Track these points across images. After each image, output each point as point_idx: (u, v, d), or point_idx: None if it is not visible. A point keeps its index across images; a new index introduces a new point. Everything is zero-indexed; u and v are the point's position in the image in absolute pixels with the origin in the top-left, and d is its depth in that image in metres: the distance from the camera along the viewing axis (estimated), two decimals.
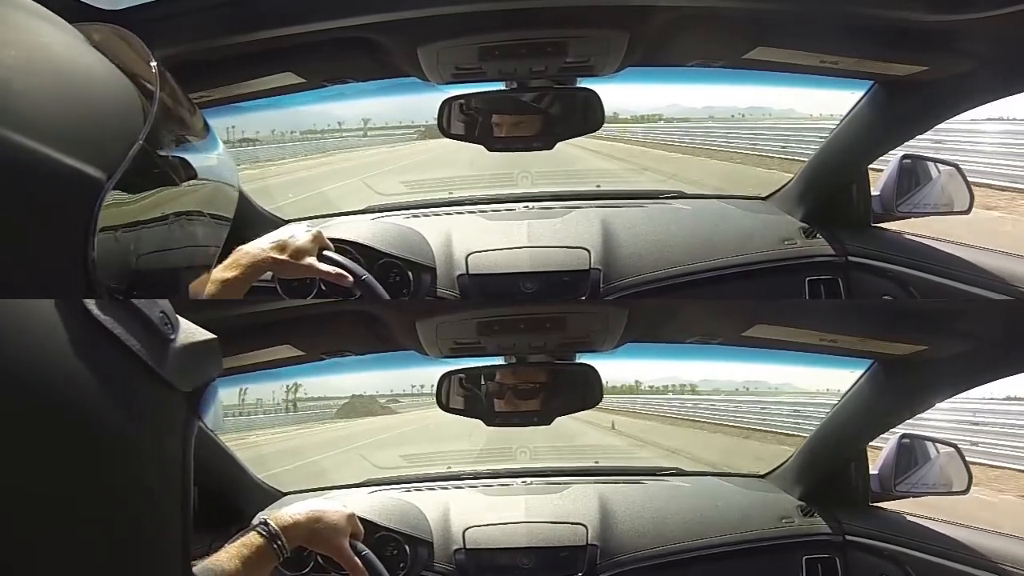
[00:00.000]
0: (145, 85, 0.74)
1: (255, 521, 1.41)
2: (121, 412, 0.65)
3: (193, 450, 0.72)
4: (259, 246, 1.62)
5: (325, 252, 1.70)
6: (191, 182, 0.78)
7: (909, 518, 2.30)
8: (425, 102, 2.12)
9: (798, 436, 2.51)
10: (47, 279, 0.64)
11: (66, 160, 0.63)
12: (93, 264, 0.65)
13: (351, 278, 1.70)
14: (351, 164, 2.56)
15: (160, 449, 0.68)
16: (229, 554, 1.31)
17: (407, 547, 2.17)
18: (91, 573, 0.63)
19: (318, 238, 1.68)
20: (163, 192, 0.74)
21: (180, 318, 0.74)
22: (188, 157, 0.80)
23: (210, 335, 0.74)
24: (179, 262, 0.79)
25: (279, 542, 1.37)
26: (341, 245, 1.99)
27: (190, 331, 0.73)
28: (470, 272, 2.09)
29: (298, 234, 1.66)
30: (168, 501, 0.68)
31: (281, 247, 1.63)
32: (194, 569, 1.18)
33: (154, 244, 0.74)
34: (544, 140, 2.03)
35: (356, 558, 1.49)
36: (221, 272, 1.55)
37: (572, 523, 2.22)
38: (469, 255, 2.10)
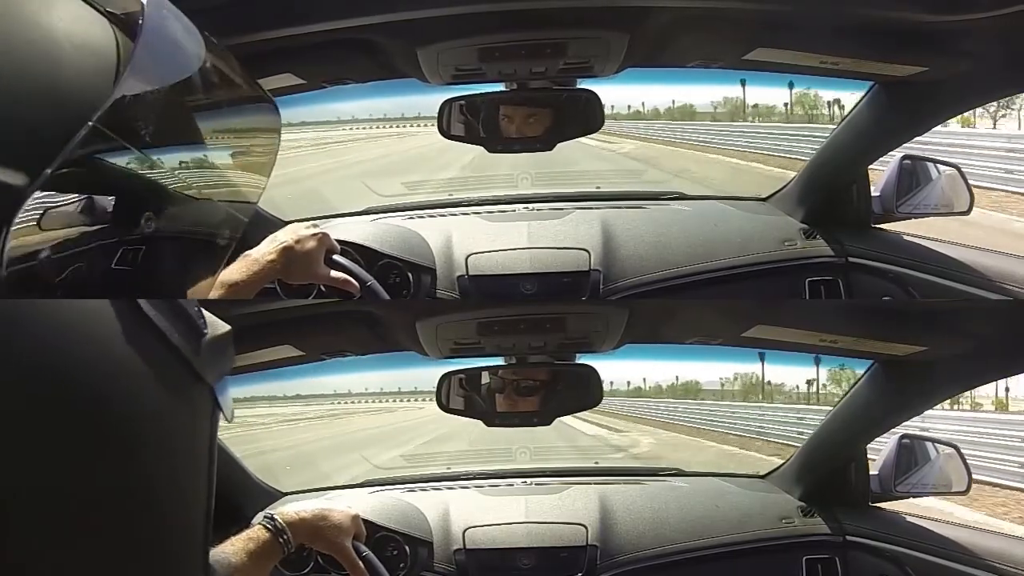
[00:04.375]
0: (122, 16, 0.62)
1: (259, 517, 1.42)
2: (161, 405, 0.63)
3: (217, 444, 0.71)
4: (265, 253, 1.57)
5: (332, 256, 1.67)
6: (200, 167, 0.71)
7: (909, 518, 2.30)
8: None
9: (796, 440, 2.51)
10: None
11: None
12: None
13: (357, 284, 1.67)
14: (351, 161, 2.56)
15: (192, 441, 0.67)
16: (235, 547, 1.31)
17: (407, 547, 2.17)
18: (122, 559, 0.62)
19: (324, 241, 1.65)
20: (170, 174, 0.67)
21: (203, 309, 0.71)
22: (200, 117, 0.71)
23: (227, 326, 0.71)
24: (188, 258, 0.75)
25: (285, 536, 1.38)
26: (342, 246, 1.99)
27: (215, 324, 0.71)
28: (470, 273, 2.09)
29: (304, 239, 1.62)
30: (196, 490, 0.68)
31: (288, 254, 1.58)
32: None
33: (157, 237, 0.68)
34: (544, 141, 2.03)
35: (358, 559, 1.50)
36: (228, 277, 1.53)
37: (572, 523, 2.23)
38: (469, 256, 2.10)
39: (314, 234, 1.63)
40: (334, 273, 1.65)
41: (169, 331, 0.63)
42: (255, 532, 1.36)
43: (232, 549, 1.31)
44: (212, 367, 0.67)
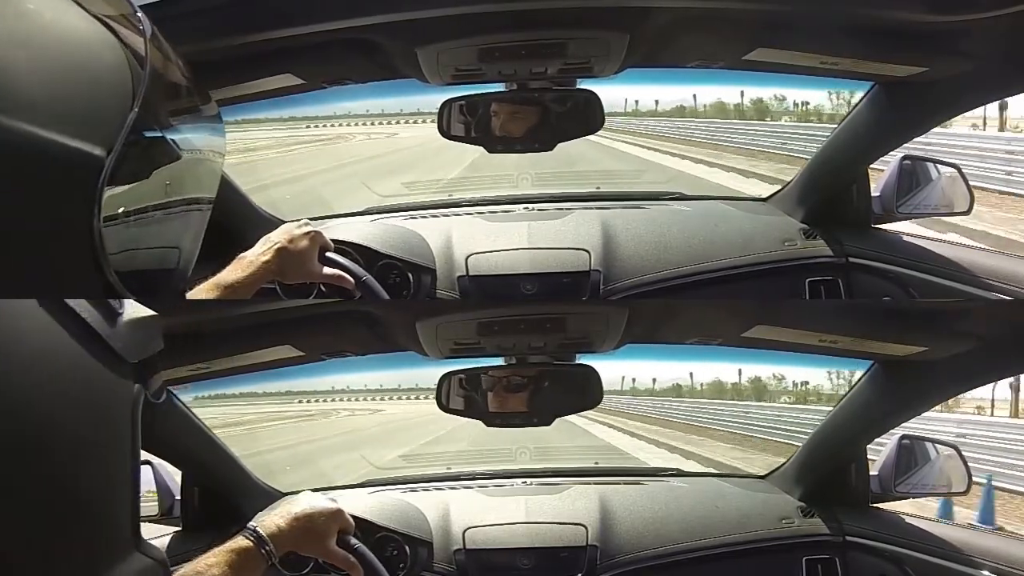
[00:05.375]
0: (133, 43, 0.70)
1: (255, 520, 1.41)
2: (72, 380, 0.65)
3: (140, 417, 0.72)
4: (259, 255, 1.59)
5: (326, 253, 1.68)
6: (180, 160, 0.76)
7: (909, 519, 2.30)
8: None
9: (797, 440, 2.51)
10: (56, 273, 0.63)
11: (64, 140, 0.61)
12: (102, 246, 0.64)
13: (352, 280, 1.68)
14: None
15: (109, 415, 0.68)
16: (217, 559, 1.31)
17: (407, 547, 2.17)
18: (40, 537, 0.62)
19: (316, 239, 1.66)
20: (156, 179, 0.72)
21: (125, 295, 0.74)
22: (181, 126, 0.78)
23: (152, 312, 0.74)
24: (171, 257, 0.78)
25: (267, 548, 1.37)
26: (341, 246, 1.99)
27: (135, 307, 0.73)
28: (470, 274, 2.09)
29: (297, 238, 1.63)
30: (117, 466, 0.68)
31: (282, 255, 1.60)
32: (179, 573, 1.18)
33: (150, 239, 0.73)
34: (544, 141, 2.03)
35: (347, 553, 1.48)
36: (224, 279, 1.54)
37: (572, 524, 2.23)
38: (469, 256, 2.10)
39: (307, 232, 1.64)
40: (329, 270, 1.66)
41: (81, 308, 0.66)
42: (238, 544, 1.35)
43: (214, 559, 1.30)
44: (131, 345, 0.69)
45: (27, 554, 0.61)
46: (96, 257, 0.64)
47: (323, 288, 1.83)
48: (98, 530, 0.65)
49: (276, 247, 1.60)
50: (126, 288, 0.68)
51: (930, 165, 2.17)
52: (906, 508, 2.38)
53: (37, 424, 0.62)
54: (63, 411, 0.64)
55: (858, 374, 2.24)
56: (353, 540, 1.49)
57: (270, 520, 1.41)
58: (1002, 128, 6.56)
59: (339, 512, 1.48)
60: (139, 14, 0.73)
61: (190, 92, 0.81)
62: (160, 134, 0.71)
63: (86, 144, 0.63)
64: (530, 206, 2.23)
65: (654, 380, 2.71)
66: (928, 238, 2.17)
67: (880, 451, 2.36)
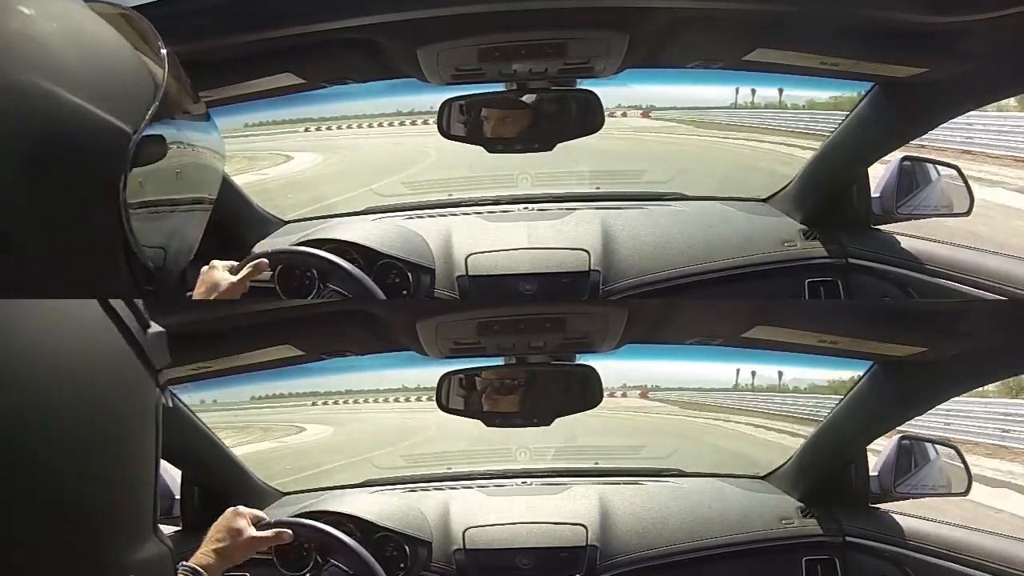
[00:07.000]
0: (151, 59, 0.83)
1: None
2: (116, 380, 0.75)
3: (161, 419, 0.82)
4: (199, 295, 1.68)
5: (232, 264, 1.72)
6: (190, 154, 0.87)
7: (909, 519, 2.30)
8: None
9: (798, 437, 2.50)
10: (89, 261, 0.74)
11: (100, 112, 0.74)
12: (127, 211, 0.75)
13: (266, 261, 1.73)
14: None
15: (142, 415, 0.78)
16: None
17: (406, 547, 2.17)
18: (83, 515, 0.70)
19: (215, 264, 1.71)
20: (169, 166, 0.82)
21: None
22: (191, 132, 0.89)
23: (161, 328, 0.84)
24: (183, 252, 0.87)
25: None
26: (340, 246, 2.00)
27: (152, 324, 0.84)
28: (470, 273, 2.09)
29: (207, 271, 1.69)
30: (144, 461, 0.78)
31: (210, 287, 1.67)
32: None
33: (159, 233, 0.82)
34: (544, 141, 2.03)
35: (272, 529, 1.58)
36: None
37: (572, 523, 2.23)
38: (469, 256, 2.11)
39: (209, 265, 1.70)
40: (244, 269, 1.71)
41: (131, 321, 0.77)
42: None
43: None
44: (156, 355, 0.80)
45: (74, 528, 0.70)
46: (127, 245, 0.77)
47: (323, 287, 1.84)
48: (128, 514, 0.75)
49: (202, 280, 1.68)
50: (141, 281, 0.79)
51: (930, 166, 2.17)
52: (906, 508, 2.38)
53: (91, 417, 0.71)
54: (110, 407, 0.73)
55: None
56: (268, 519, 1.59)
57: (198, 553, 1.53)
58: None
59: (234, 512, 1.59)
60: (159, 43, 0.86)
61: (198, 107, 0.93)
62: (175, 127, 0.83)
63: (117, 119, 0.75)
64: (530, 206, 2.23)
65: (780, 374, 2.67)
66: (930, 239, 2.17)
67: (880, 451, 2.36)
